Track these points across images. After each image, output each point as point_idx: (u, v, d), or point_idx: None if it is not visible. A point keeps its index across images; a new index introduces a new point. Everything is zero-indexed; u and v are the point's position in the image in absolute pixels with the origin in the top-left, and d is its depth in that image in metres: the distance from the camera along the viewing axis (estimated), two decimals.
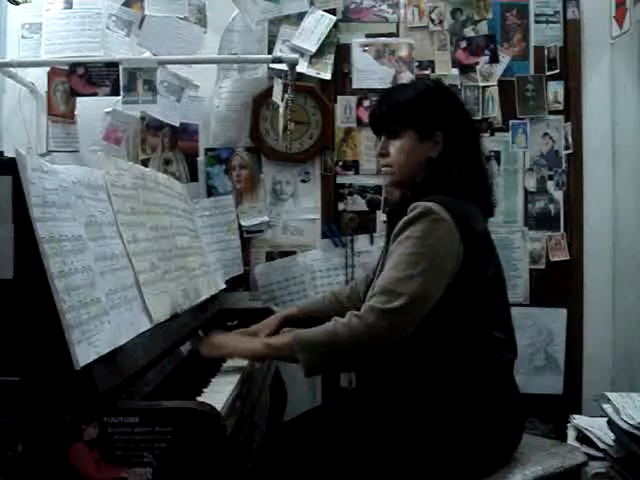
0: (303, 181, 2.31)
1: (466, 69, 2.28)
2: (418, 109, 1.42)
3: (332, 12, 2.26)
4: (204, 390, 1.25)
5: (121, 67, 2.04)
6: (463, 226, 1.31)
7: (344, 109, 2.29)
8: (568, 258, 2.26)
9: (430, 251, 1.27)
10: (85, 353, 0.98)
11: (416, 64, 2.28)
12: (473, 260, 1.32)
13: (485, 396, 1.32)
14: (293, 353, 1.29)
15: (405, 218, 1.32)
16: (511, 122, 2.28)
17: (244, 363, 1.46)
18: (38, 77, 2.19)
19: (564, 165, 2.28)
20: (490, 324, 1.36)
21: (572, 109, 2.25)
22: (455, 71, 2.27)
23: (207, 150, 2.29)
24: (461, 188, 1.38)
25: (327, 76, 2.26)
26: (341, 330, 1.27)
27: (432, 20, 2.28)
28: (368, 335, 1.25)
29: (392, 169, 1.45)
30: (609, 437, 1.50)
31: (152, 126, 2.26)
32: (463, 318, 1.33)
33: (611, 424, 1.49)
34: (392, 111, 1.44)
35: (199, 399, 1.16)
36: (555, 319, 2.27)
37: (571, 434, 1.65)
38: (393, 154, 1.44)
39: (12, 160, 1.00)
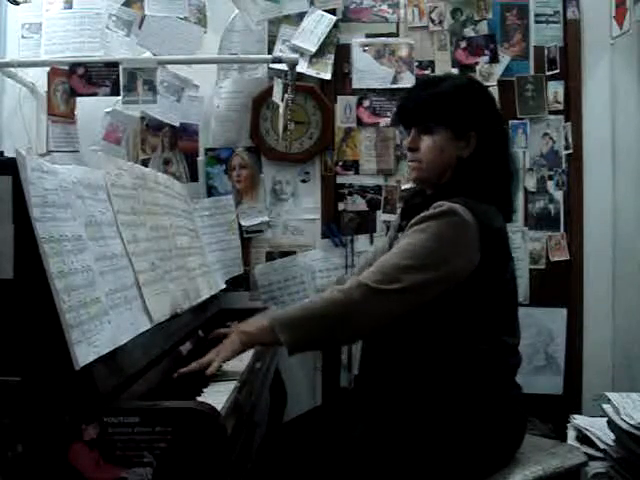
0: (303, 181, 2.31)
1: (466, 69, 2.27)
2: (455, 106, 1.36)
3: (332, 12, 2.26)
4: (204, 390, 1.25)
5: (121, 67, 2.05)
6: (485, 230, 1.27)
7: (344, 109, 2.29)
8: (568, 258, 2.26)
9: (440, 251, 1.25)
10: (85, 353, 0.98)
11: (416, 64, 2.28)
12: (492, 264, 1.29)
13: (489, 397, 1.32)
14: (273, 335, 1.26)
15: (427, 212, 1.29)
16: (511, 122, 2.27)
17: (244, 362, 1.46)
18: (38, 77, 2.19)
19: (564, 165, 2.28)
20: (500, 329, 1.35)
21: (572, 109, 2.25)
22: (455, 71, 2.27)
23: (207, 150, 2.29)
24: (486, 191, 1.34)
25: (327, 76, 2.26)
26: (321, 304, 1.26)
27: (432, 20, 2.28)
28: (349, 307, 1.23)
29: (421, 165, 1.40)
30: (609, 437, 1.50)
31: (152, 126, 2.25)
32: (474, 322, 1.32)
33: (611, 424, 1.49)
34: (428, 105, 1.37)
35: (199, 399, 1.16)
36: (555, 319, 2.26)
37: (571, 434, 1.65)
38: (424, 150, 1.39)
39: (12, 160, 1.00)
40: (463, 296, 1.29)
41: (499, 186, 1.39)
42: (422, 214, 1.30)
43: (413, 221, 1.31)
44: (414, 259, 1.25)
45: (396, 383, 1.36)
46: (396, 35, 2.30)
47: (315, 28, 2.24)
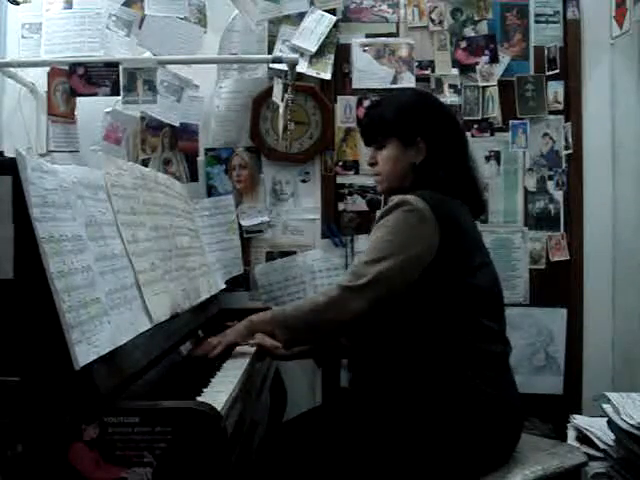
0: (303, 181, 2.31)
1: (466, 69, 2.28)
2: (399, 119, 1.49)
3: (332, 12, 2.26)
4: (204, 390, 1.25)
5: (121, 67, 2.04)
6: (441, 216, 1.35)
7: (344, 109, 2.29)
8: (568, 258, 2.26)
9: (400, 238, 1.34)
10: (85, 353, 0.98)
11: (416, 64, 2.28)
12: (454, 249, 1.36)
13: (477, 388, 1.32)
14: (272, 329, 1.43)
15: (382, 209, 1.41)
16: (511, 122, 2.27)
17: (244, 362, 1.47)
18: (38, 77, 2.19)
19: (564, 165, 2.28)
20: (481, 313, 1.38)
21: (572, 109, 2.25)
22: (455, 71, 2.27)
23: (207, 150, 2.29)
24: (447, 188, 1.44)
25: (327, 76, 2.26)
26: (308, 304, 1.42)
27: (432, 20, 2.28)
28: (328, 307, 1.36)
29: (381, 177, 1.53)
30: (609, 437, 1.50)
31: (152, 126, 2.25)
32: (450, 307, 1.35)
33: (611, 424, 1.49)
34: (376, 124, 1.53)
35: (199, 399, 1.16)
36: (555, 319, 2.26)
37: (571, 434, 1.65)
38: (381, 163, 1.53)
39: (12, 160, 1.00)
40: (430, 280, 1.35)
41: (459, 183, 1.48)
42: (380, 211, 1.42)
43: (375, 221, 1.43)
44: (376, 252, 1.35)
45: (383, 380, 1.39)
46: (396, 35, 2.30)
47: (315, 28, 2.24)
